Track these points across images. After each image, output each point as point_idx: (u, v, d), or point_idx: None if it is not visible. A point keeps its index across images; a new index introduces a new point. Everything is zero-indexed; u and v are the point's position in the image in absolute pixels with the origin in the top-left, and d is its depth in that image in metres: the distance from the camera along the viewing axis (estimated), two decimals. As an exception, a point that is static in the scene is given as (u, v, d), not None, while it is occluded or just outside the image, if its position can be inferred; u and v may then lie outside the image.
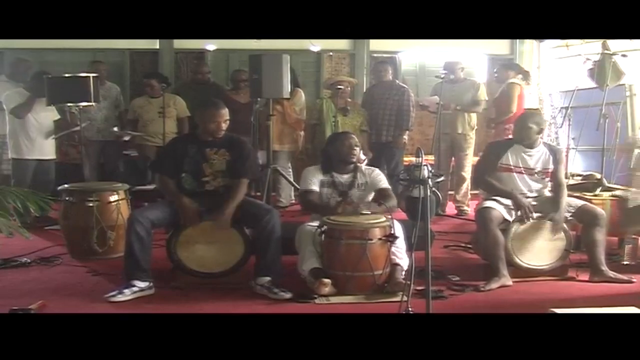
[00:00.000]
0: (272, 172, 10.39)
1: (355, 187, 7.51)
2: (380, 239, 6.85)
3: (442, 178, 5.96)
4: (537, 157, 7.73)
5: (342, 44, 13.52)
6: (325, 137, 10.18)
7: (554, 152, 7.86)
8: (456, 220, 10.82)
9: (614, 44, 10.33)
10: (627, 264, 8.06)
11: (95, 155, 11.20)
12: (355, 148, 7.57)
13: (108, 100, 11.16)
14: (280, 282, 6.85)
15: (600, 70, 10.37)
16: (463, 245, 8.89)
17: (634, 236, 8.30)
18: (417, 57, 14.44)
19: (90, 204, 8.24)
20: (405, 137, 10.99)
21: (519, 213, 7.51)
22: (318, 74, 13.78)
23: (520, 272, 7.44)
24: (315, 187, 7.50)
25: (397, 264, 6.94)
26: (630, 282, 7.44)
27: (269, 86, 9.63)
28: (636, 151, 11.03)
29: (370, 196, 7.54)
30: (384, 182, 7.57)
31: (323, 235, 6.94)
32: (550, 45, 13.45)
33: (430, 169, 5.70)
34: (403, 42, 13.06)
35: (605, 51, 10.38)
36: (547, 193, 7.86)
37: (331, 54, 13.79)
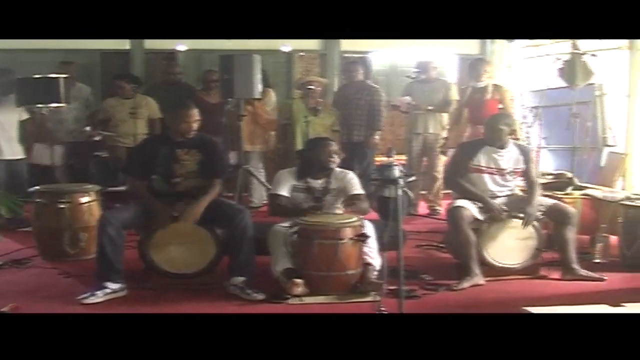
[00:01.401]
0: (244, 173, 10.38)
1: (329, 193, 7.50)
2: (352, 238, 6.85)
3: (413, 178, 5.98)
4: (507, 157, 7.76)
5: (312, 44, 13.52)
6: (296, 138, 10.20)
7: (524, 151, 7.90)
8: (428, 220, 10.83)
9: (584, 44, 10.37)
10: (598, 262, 8.11)
11: (66, 157, 11.15)
12: (335, 155, 7.55)
13: (79, 101, 11.10)
14: (254, 283, 6.85)
15: (570, 70, 10.40)
16: (435, 244, 8.90)
17: (605, 234, 8.36)
18: (389, 57, 14.46)
19: (62, 206, 8.19)
20: (377, 137, 10.98)
21: (489, 214, 7.55)
22: (289, 74, 13.79)
23: (493, 271, 7.48)
24: (285, 192, 7.45)
25: (370, 264, 6.95)
26: (601, 280, 7.48)
27: (240, 86, 9.62)
28: (606, 150, 11.10)
29: (342, 199, 7.53)
30: (357, 188, 7.51)
31: (295, 236, 6.94)
32: (521, 44, 13.49)
33: (401, 168, 5.72)
34: (374, 42, 13.07)
35: (575, 51, 10.42)
36: (518, 192, 7.91)
37: (302, 54, 13.79)
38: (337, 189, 7.49)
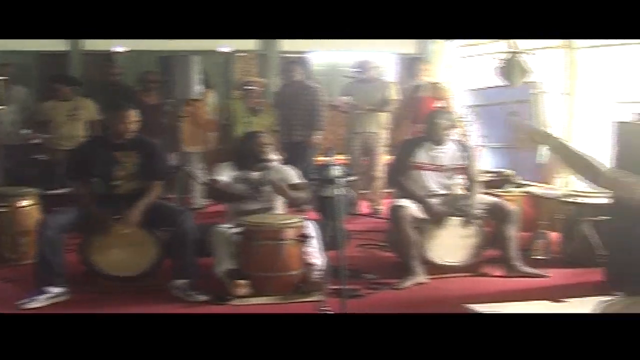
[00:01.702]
0: (185, 174, 10.32)
1: (267, 184, 7.48)
2: (294, 239, 6.87)
3: (353, 177, 6.00)
4: (447, 154, 7.81)
5: (251, 44, 13.45)
6: (236, 138, 10.16)
7: (464, 148, 7.95)
8: (371, 219, 10.84)
9: (521, 42, 10.46)
10: (539, 259, 8.18)
11: (3, 160, 11.00)
12: (267, 146, 7.57)
13: (15, 104, 10.95)
14: (198, 284, 6.83)
15: (508, 69, 10.49)
16: (378, 243, 8.91)
17: (545, 231, 8.43)
18: (328, 57, 14.48)
19: (0, 210, 8.09)
20: (318, 137, 10.98)
21: (430, 212, 7.59)
22: (228, 75, 13.72)
23: (435, 269, 7.53)
24: (223, 177, 7.48)
25: (312, 264, 6.96)
26: (543, 276, 7.56)
27: (179, 87, 9.56)
28: (542, 147, 11.17)
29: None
30: (294, 178, 7.58)
31: (238, 236, 6.92)
32: (459, 43, 13.56)
33: (340, 168, 5.73)
34: (313, 42, 13.02)
35: (513, 49, 10.51)
36: (458, 190, 7.95)
37: (241, 54, 13.75)
38: (275, 180, 7.48)
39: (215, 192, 7.54)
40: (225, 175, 7.51)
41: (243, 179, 7.51)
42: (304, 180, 7.66)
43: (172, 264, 6.97)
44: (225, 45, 13.34)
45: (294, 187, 7.49)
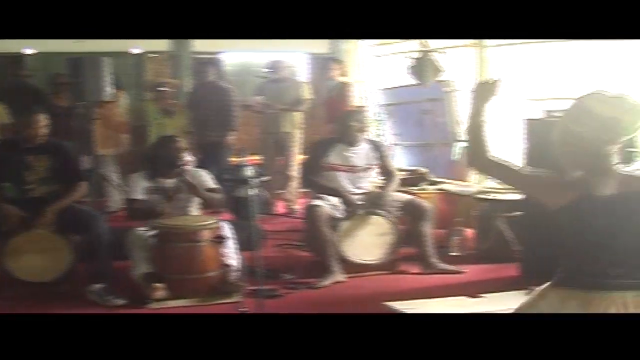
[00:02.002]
0: (98, 177, 10.21)
1: (182, 191, 7.41)
2: (210, 240, 6.84)
3: (266, 177, 6.02)
4: (360, 154, 7.85)
5: (163, 45, 13.36)
6: (149, 140, 10.07)
7: (377, 147, 8.00)
8: (287, 219, 10.85)
9: (433, 41, 10.54)
10: (456, 255, 8.26)
11: None
12: (182, 152, 7.49)
13: None
14: (115, 288, 6.76)
15: (420, 67, 10.56)
16: (295, 243, 8.92)
17: (460, 228, 8.51)
18: (240, 57, 14.44)
19: None
20: (232, 137, 10.95)
21: (346, 210, 7.61)
22: (140, 76, 13.61)
23: (352, 268, 7.56)
24: (139, 196, 7.37)
25: (229, 265, 6.93)
26: (459, 272, 7.64)
27: (91, 89, 9.43)
28: (458, 145, 11.28)
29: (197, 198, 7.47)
30: (210, 183, 7.52)
31: (154, 239, 6.86)
32: (371, 43, 13.61)
33: (253, 168, 5.73)
34: (225, 42, 12.90)
35: (424, 48, 10.58)
36: (373, 189, 7.99)
37: (153, 55, 13.65)
38: (190, 186, 7.41)
39: (136, 212, 7.43)
40: (139, 189, 7.40)
41: (157, 189, 7.41)
42: (219, 186, 7.60)
43: (87, 269, 6.88)
44: (136, 47, 13.22)
45: (210, 191, 7.44)
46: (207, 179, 7.57)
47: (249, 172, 5.78)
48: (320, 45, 13.84)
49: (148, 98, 11.45)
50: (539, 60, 9.81)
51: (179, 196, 7.40)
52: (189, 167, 7.58)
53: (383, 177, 8.05)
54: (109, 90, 9.55)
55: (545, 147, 3.84)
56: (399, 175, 8.40)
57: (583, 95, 3.60)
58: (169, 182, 7.41)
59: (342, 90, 10.95)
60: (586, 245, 3.53)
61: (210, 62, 11.71)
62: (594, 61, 8.89)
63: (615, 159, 3.50)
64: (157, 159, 7.50)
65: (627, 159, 3.66)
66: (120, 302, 6.62)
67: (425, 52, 10.54)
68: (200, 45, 13.38)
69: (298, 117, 11.20)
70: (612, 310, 3.38)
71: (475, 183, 10.37)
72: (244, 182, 5.78)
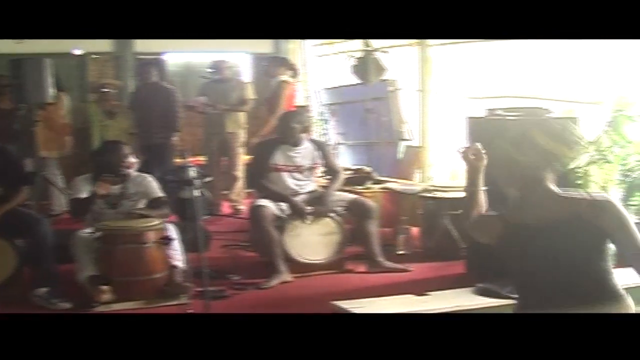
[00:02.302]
0: (41, 180, 10.12)
1: (127, 198, 7.34)
2: (155, 241, 6.80)
3: (209, 178, 6.02)
4: (303, 154, 7.87)
5: (105, 45, 13.27)
6: (93, 142, 10.00)
7: (320, 146, 8.03)
8: (233, 220, 10.82)
9: (376, 41, 10.58)
10: (402, 254, 8.30)
11: None
12: (127, 158, 7.42)
13: None
14: (60, 292, 6.70)
15: (363, 67, 10.60)
16: (241, 244, 8.89)
17: (406, 226, 8.56)
18: (183, 57, 14.40)
19: None
20: (175, 138, 10.90)
21: (293, 216, 7.63)
22: (83, 78, 13.50)
23: (299, 267, 7.58)
24: (84, 195, 7.27)
25: (175, 266, 6.91)
26: (406, 270, 7.69)
27: (32, 91, 9.34)
28: (402, 144, 11.34)
29: (141, 204, 7.40)
30: (156, 191, 7.45)
31: (98, 241, 6.81)
32: (314, 42, 13.63)
33: (196, 169, 5.73)
34: (168, 42, 12.88)
35: (367, 48, 10.62)
36: (318, 188, 8.01)
37: (95, 56, 13.55)
38: (135, 193, 7.36)
39: (79, 212, 7.36)
40: (84, 190, 7.31)
41: (101, 195, 7.30)
42: (164, 194, 7.53)
43: (32, 273, 6.82)
44: (78, 48, 13.12)
45: (156, 201, 7.38)
46: (153, 186, 7.46)
47: (192, 173, 5.78)
48: (264, 45, 13.84)
49: (91, 99, 11.38)
50: (481, 59, 9.89)
51: (123, 203, 7.32)
52: (133, 173, 7.48)
53: (328, 177, 8.07)
54: (51, 91, 9.45)
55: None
56: (344, 174, 8.42)
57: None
58: (114, 189, 7.32)
59: (285, 90, 10.95)
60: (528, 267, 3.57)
61: (153, 62, 11.64)
62: (535, 59, 8.98)
63: (550, 181, 3.54)
64: (101, 165, 7.40)
65: (563, 180, 3.70)
66: (66, 305, 6.57)
67: (369, 52, 10.59)
68: (143, 46, 13.32)
69: (242, 117, 11.19)
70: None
71: (420, 182, 10.44)
72: (188, 183, 5.78)
